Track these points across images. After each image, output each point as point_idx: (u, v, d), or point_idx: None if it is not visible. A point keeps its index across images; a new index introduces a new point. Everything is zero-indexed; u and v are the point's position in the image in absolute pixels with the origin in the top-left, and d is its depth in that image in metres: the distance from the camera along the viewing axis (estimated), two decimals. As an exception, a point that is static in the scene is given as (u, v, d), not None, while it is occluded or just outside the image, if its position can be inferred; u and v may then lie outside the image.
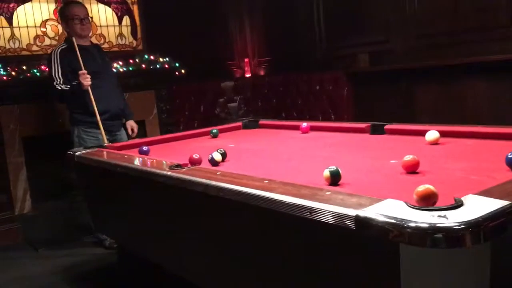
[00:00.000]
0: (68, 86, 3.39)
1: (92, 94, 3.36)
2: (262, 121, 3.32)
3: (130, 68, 4.77)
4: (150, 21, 5.10)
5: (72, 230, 4.03)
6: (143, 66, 4.84)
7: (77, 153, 2.58)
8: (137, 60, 4.84)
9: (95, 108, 3.37)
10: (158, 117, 5.06)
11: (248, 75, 5.89)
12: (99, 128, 3.41)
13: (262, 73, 5.92)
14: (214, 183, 1.57)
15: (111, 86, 3.59)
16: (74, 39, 3.41)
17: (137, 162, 2.18)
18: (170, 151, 2.63)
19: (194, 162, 1.99)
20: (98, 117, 3.38)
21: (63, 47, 3.51)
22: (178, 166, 1.87)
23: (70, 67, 3.42)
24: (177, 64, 5.01)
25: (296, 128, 2.88)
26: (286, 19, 5.51)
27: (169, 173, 1.80)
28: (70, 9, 3.54)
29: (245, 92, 5.73)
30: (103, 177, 2.49)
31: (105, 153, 2.51)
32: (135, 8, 5.08)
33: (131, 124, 3.81)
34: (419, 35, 4.44)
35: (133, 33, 5.08)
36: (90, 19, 3.59)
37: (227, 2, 5.74)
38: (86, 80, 3.32)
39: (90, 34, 3.64)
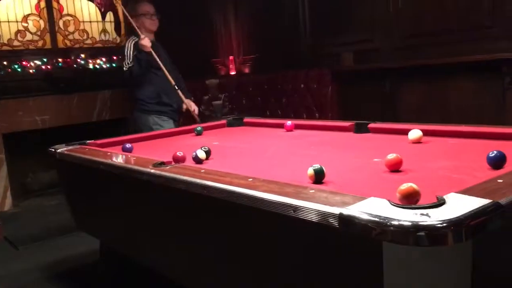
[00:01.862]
0: (132, 62, 3.63)
1: (160, 86, 3.73)
2: (246, 119, 3.31)
3: (114, 65, 4.74)
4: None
5: (53, 227, 3.97)
6: (127, 62, 4.79)
7: (59, 150, 2.55)
8: (120, 57, 4.79)
9: (178, 95, 3.78)
10: (142, 115, 5.01)
11: (233, 72, 5.89)
12: (168, 116, 3.80)
13: (247, 71, 5.92)
14: (198, 181, 1.56)
15: (176, 78, 3.85)
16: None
17: (120, 159, 2.16)
18: (154, 149, 2.61)
19: (178, 160, 1.97)
20: (183, 97, 3.80)
21: (136, 40, 3.71)
22: (162, 164, 1.85)
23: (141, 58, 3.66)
24: (161, 61, 4.97)
25: (281, 126, 2.88)
26: (272, 17, 5.51)
27: (152, 170, 1.79)
28: (141, 6, 3.83)
29: (230, 89, 5.71)
30: (86, 174, 2.46)
31: (87, 150, 2.48)
32: (118, 4, 5.03)
33: (190, 103, 3.95)
34: (403, 34, 4.48)
35: (117, 29, 5.04)
36: (156, 15, 3.85)
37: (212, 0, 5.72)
38: (145, 40, 3.56)
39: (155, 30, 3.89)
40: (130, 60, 3.65)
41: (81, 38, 4.85)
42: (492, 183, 1.19)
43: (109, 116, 4.91)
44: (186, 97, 3.91)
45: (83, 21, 4.86)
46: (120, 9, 4.98)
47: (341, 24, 4.93)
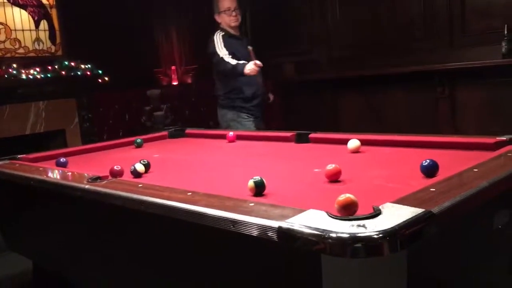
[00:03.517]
0: (234, 62, 3.56)
1: (244, 80, 3.65)
2: (188, 130, 3.26)
3: (49, 75, 4.54)
4: (71, 26, 4.88)
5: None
6: (63, 72, 4.62)
7: (-14, 166, 2.39)
8: (56, 67, 4.60)
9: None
10: (80, 126, 4.85)
11: (175, 83, 5.81)
12: (248, 114, 3.76)
13: (189, 81, 5.86)
14: (135, 196, 1.50)
15: (258, 74, 3.69)
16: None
17: (53, 175, 2.06)
18: (90, 163, 2.50)
19: (115, 174, 1.90)
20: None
21: (223, 33, 3.75)
22: (98, 178, 1.78)
23: (231, 49, 3.66)
24: (100, 71, 4.83)
25: (223, 137, 2.86)
26: (213, 27, 5.50)
27: (87, 186, 1.71)
28: (221, 2, 3.82)
29: (172, 100, 5.63)
30: (16, 191, 2.32)
31: (18, 165, 2.35)
32: (53, 12, 4.84)
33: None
34: (341, 46, 4.60)
35: (52, 38, 4.84)
36: (239, 10, 3.85)
37: (153, 8, 5.62)
38: (252, 68, 3.46)
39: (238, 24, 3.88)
40: (226, 52, 3.61)
41: (12, 47, 4.62)
42: (425, 192, 1.22)
43: (44, 128, 4.70)
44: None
45: (15, 30, 4.63)
46: (55, 17, 4.79)
47: (282, 36, 5.00)
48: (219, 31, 3.80)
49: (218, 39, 3.72)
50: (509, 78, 3.73)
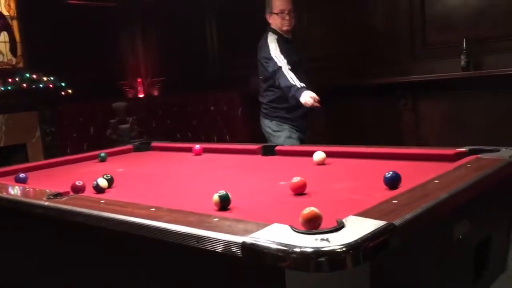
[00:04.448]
0: (294, 82, 3.17)
1: None
2: (154, 143, 3.22)
3: (9, 88, 4.42)
4: (32, 38, 4.77)
5: None
6: (24, 85, 4.52)
7: None
8: (17, 79, 4.49)
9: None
10: (42, 140, 4.72)
11: (141, 95, 5.74)
12: (292, 125, 3.43)
13: (156, 93, 5.80)
14: (96, 212, 1.47)
15: (305, 82, 3.31)
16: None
17: (11, 191, 1.99)
18: (52, 178, 2.43)
19: (76, 190, 1.85)
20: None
21: (276, 36, 3.42)
22: (58, 195, 1.72)
23: (287, 57, 3.33)
24: (62, 84, 4.73)
25: (189, 150, 2.83)
26: (180, 39, 5.48)
27: (46, 203, 1.65)
28: (275, 2, 3.45)
29: (138, 113, 5.56)
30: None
31: (-26, 182, 2.25)
32: (14, 24, 4.73)
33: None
34: (309, 58, 4.64)
35: (13, 50, 4.72)
36: (293, 13, 3.47)
37: (118, 19, 5.56)
38: (309, 101, 3.07)
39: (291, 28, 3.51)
40: (284, 59, 3.27)
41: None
42: (388, 204, 1.23)
43: (4, 143, 4.56)
44: None
45: (-26, 41, 4.51)
46: (16, 29, 4.67)
47: (248, 47, 5.01)
48: (271, 33, 3.46)
49: (273, 43, 3.39)
50: (468, 90, 3.84)
